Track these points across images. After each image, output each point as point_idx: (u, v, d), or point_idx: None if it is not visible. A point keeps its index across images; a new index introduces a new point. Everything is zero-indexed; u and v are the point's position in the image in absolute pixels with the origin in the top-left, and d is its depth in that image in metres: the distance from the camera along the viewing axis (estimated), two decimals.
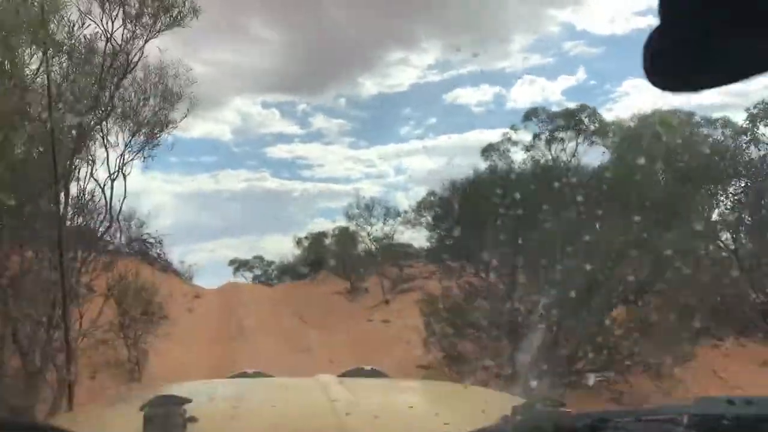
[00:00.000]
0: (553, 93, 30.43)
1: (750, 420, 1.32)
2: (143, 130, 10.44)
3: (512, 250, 12.10)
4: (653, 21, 0.81)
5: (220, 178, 30.84)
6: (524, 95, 29.17)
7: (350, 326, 18.80)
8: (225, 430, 1.66)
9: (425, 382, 4.18)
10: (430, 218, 21.77)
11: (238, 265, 38.04)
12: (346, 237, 37.29)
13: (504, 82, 30.42)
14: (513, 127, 22.49)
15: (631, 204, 12.28)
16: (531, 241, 11.99)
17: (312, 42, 30.83)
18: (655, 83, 0.83)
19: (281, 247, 35.31)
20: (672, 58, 0.82)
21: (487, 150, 22.29)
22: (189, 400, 1.59)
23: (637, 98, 28.96)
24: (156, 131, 10.46)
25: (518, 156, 21.60)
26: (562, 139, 22.81)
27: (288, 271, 36.09)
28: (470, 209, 18.14)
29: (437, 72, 31.92)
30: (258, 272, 38.46)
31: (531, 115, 23.28)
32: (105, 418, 1.96)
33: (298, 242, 37.75)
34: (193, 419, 1.52)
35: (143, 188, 28.44)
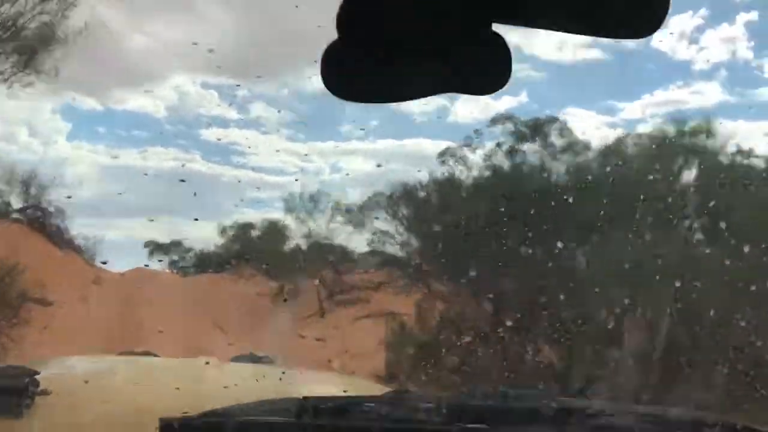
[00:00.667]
0: (496, 111, 29.24)
1: (491, 410, 1.49)
2: None
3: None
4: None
5: (149, 155, 27.94)
6: (467, 111, 28.91)
7: (277, 341, 15.70)
8: (75, 403, 0.99)
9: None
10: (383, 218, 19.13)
11: (154, 247, 34.06)
12: (276, 231, 34.15)
13: (448, 96, 27.71)
14: (476, 132, 20.43)
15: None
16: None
17: (263, 28, 29.04)
18: (330, 89, 1.10)
19: (204, 234, 30.98)
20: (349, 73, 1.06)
21: (444, 154, 20.07)
22: (37, 372, 1.04)
23: (574, 126, 28.81)
24: None
25: (476, 163, 20.27)
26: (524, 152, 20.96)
27: (208, 262, 32.45)
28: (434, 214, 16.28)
29: None
30: (175, 257, 34.60)
31: (497, 121, 21.16)
32: None
33: (223, 231, 34.14)
34: (45, 392, 1.09)
35: (68, 156, 26.44)
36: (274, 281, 25.38)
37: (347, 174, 30.05)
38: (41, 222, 19.28)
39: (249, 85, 29.35)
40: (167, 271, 30.09)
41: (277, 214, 26.41)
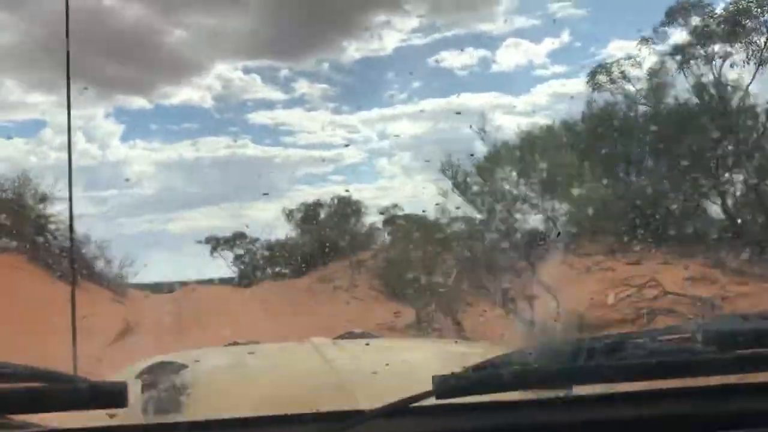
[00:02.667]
0: (537, 56, 28.63)
1: (765, 332, 1.33)
2: None
3: None
4: None
5: (201, 145, 29.00)
6: (509, 58, 27.68)
7: None
8: (224, 396, 1.60)
9: (421, 340, 3.67)
10: None
11: (216, 243, 31.14)
12: (348, 208, 30.86)
13: (489, 45, 29.32)
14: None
15: None
16: None
17: (293, 4, 27.79)
18: None
19: (265, 216, 30.36)
20: None
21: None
22: (186, 366, 1.56)
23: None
24: None
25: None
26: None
27: (279, 256, 29.30)
28: None
29: (421, 35, 29.98)
30: (240, 251, 31.58)
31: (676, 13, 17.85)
32: None
33: (289, 215, 31.00)
34: (188, 387, 1.45)
35: (124, 156, 27.04)
36: (375, 288, 21.70)
37: (396, 136, 29.30)
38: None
39: (288, 64, 29.54)
40: (230, 287, 26.25)
41: (335, 188, 26.38)
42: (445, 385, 1.21)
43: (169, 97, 32.41)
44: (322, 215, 31.16)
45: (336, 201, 30.98)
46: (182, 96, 31.12)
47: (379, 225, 30.35)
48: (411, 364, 2.11)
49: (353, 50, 30.14)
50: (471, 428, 1.29)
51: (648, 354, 1.31)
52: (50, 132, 24.09)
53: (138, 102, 29.40)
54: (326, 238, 26.75)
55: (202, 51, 30.05)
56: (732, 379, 1.33)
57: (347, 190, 30.66)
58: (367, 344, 2.59)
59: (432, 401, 1.21)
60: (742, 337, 1.31)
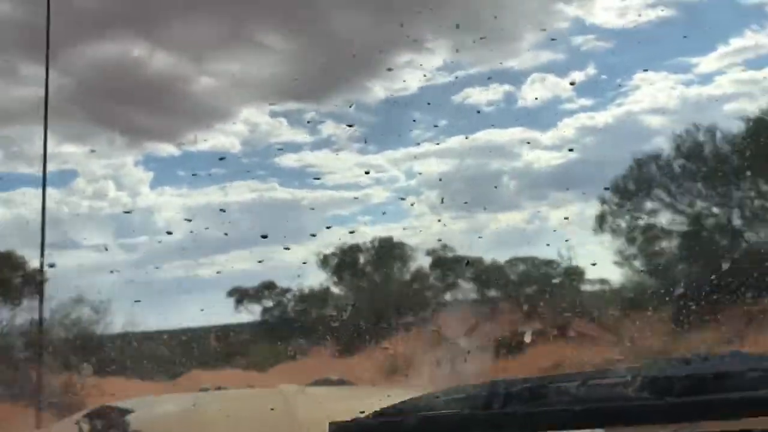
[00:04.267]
0: (564, 89, 28.47)
1: (706, 378, 1.25)
2: None
3: None
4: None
5: (229, 189, 26.23)
6: (534, 93, 27.69)
7: None
8: None
9: (391, 389, 3.06)
10: None
11: (240, 296, 27.49)
12: (390, 251, 27.15)
13: (513, 80, 28.92)
14: None
15: None
16: None
17: (317, 47, 28.77)
18: None
19: (294, 258, 32.61)
20: None
21: None
22: (130, 411, 1.56)
23: (647, 90, 28.00)
24: None
25: None
26: None
27: (315, 312, 25.41)
28: None
29: (445, 73, 28.89)
30: (269, 304, 27.84)
31: None
32: None
33: (324, 261, 27.34)
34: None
35: (154, 203, 26.99)
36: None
37: (421, 179, 28.02)
38: None
39: (314, 106, 30.43)
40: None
41: (364, 228, 26.15)
42: None
43: (197, 144, 33.08)
44: (362, 260, 27.58)
45: (377, 244, 27.46)
46: (210, 142, 31.94)
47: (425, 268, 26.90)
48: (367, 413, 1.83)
49: (378, 90, 29.99)
50: None
51: (573, 400, 1.23)
52: (83, 181, 24.71)
53: (166, 149, 29.94)
54: (375, 290, 22.93)
55: (228, 97, 31.14)
56: (669, 429, 1.21)
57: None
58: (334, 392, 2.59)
59: None
60: (679, 382, 1.20)
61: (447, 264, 25.91)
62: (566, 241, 16.30)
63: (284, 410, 1.86)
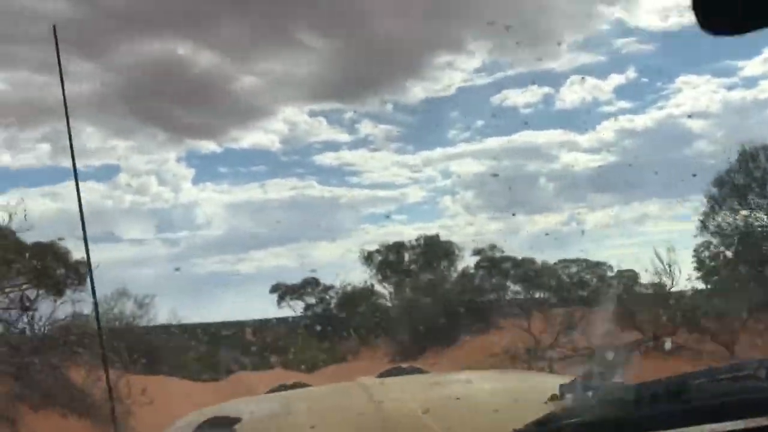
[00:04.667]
0: (603, 92, 29.52)
1: None
2: None
3: None
4: None
5: (268, 187, 30.00)
6: (573, 95, 28.22)
7: None
8: None
9: (469, 373, 3.28)
10: None
11: (283, 292, 26.82)
12: (438, 248, 26.24)
13: (553, 83, 30.07)
14: None
15: None
16: None
17: (358, 48, 29.93)
18: (703, 26, 0.92)
19: (330, 255, 30.55)
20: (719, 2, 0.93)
21: None
22: (238, 420, 1.56)
23: (689, 94, 28.80)
24: None
25: None
26: None
27: (362, 306, 24.58)
28: None
29: (484, 74, 31.33)
30: (312, 300, 27.14)
31: None
32: None
33: (368, 257, 26.53)
34: None
35: (195, 199, 27.89)
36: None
37: (457, 179, 29.56)
38: None
39: (353, 106, 30.49)
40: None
41: (399, 228, 27.32)
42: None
43: (238, 141, 33.76)
44: (407, 258, 26.71)
45: (422, 241, 26.56)
46: (250, 139, 33.05)
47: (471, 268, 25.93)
48: (464, 400, 1.93)
49: (417, 91, 30.97)
50: None
51: (711, 395, 1.28)
52: (126, 176, 25.57)
53: (208, 146, 30.49)
54: (428, 288, 22.01)
55: (270, 96, 32.12)
56: None
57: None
58: (414, 380, 2.49)
59: None
60: None
61: (496, 263, 24.96)
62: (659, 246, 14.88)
63: (375, 402, 1.82)
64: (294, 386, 3.06)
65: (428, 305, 20.63)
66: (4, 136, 26.64)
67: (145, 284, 21.73)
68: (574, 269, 26.20)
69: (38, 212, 23.80)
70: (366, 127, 32.01)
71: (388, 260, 26.74)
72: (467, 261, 25.55)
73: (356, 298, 25.04)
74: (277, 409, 2.09)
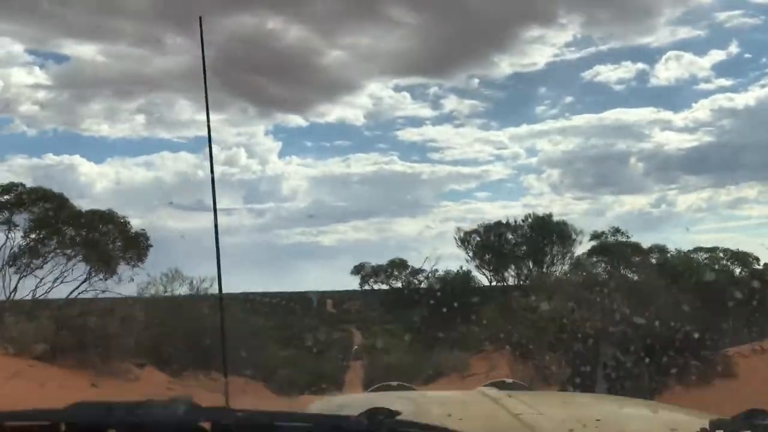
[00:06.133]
0: (701, 69, 28.17)
1: None
2: None
3: None
4: None
5: (351, 161, 32.04)
6: (669, 72, 27.48)
7: None
8: None
9: (596, 396, 3.45)
10: None
11: (367, 274, 23.61)
12: (548, 229, 22.47)
13: (647, 58, 26.44)
14: None
15: None
16: None
17: (446, 22, 29.25)
18: None
19: (411, 231, 30.48)
20: None
21: None
22: (399, 413, 1.51)
23: None
24: None
25: None
26: None
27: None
28: None
29: (575, 49, 31.09)
30: (398, 284, 23.82)
31: None
32: None
33: (465, 240, 23.01)
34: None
35: (282, 172, 29.21)
36: None
37: (543, 157, 28.34)
38: None
39: (438, 81, 30.75)
40: None
41: (481, 205, 24.60)
42: None
43: (324, 116, 38.57)
44: (509, 236, 23.05)
45: (531, 218, 22.86)
46: (336, 114, 35.97)
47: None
48: (605, 421, 1.86)
49: (504, 66, 34.14)
50: None
51: None
52: (216, 148, 25.45)
53: (295, 120, 34.83)
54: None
55: (356, 70, 33.94)
56: None
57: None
58: (541, 396, 2.52)
59: None
60: None
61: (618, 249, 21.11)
62: None
63: (512, 414, 1.79)
64: (399, 387, 3.13)
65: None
66: (103, 107, 29.98)
67: (231, 253, 22.59)
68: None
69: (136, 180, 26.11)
70: (450, 103, 32.67)
71: (485, 243, 23.19)
72: (584, 246, 21.83)
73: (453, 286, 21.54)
74: (409, 410, 1.93)
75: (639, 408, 2.58)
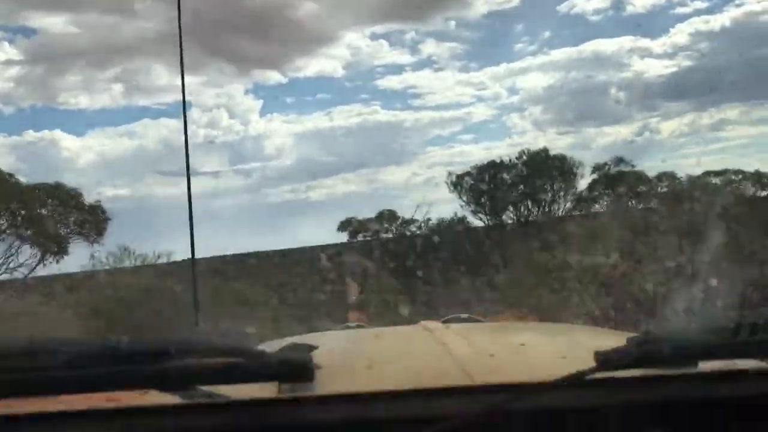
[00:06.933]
0: None
1: None
2: None
3: None
4: None
5: (334, 114, 29.69)
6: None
7: None
8: (353, 378, 1.64)
9: (529, 324, 3.70)
10: None
11: (354, 230, 21.94)
12: (545, 165, 20.81)
13: None
14: None
15: None
16: None
17: None
18: None
19: (398, 179, 28.86)
20: None
21: None
22: (316, 347, 1.57)
23: None
24: None
25: None
26: None
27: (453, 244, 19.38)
28: None
29: None
30: (390, 243, 22.15)
31: None
32: None
33: (456, 183, 21.35)
34: (318, 366, 1.46)
35: (264, 131, 28.78)
36: None
37: (525, 95, 28.20)
38: None
39: (414, 26, 30.30)
40: None
41: (466, 147, 26.54)
42: (610, 358, 1.20)
43: (302, 70, 32.77)
44: (505, 176, 21.44)
45: (525, 155, 21.19)
46: (314, 68, 32.55)
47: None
48: (529, 346, 1.95)
49: (479, 5, 30.14)
50: (642, 400, 1.24)
51: None
52: (198, 111, 26.04)
53: (273, 77, 30.27)
54: None
55: (330, 21, 31.03)
56: None
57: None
58: (475, 327, 2.60)
59: (602, 374, 1.19)
60: None
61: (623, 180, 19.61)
62: None
63: (440, 345, 1.82)
64: (357, 327, 3.32)
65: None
66: (79, 78, 27.31)
67: (220, 214, 23.63)
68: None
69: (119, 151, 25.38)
70: (429, 47, 30.16)
71: (479, 184, 21.57)
72: (586, 180, 20.32)
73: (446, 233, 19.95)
74: (346, 344, 2.15)
75: (572, 333, 2.57)
